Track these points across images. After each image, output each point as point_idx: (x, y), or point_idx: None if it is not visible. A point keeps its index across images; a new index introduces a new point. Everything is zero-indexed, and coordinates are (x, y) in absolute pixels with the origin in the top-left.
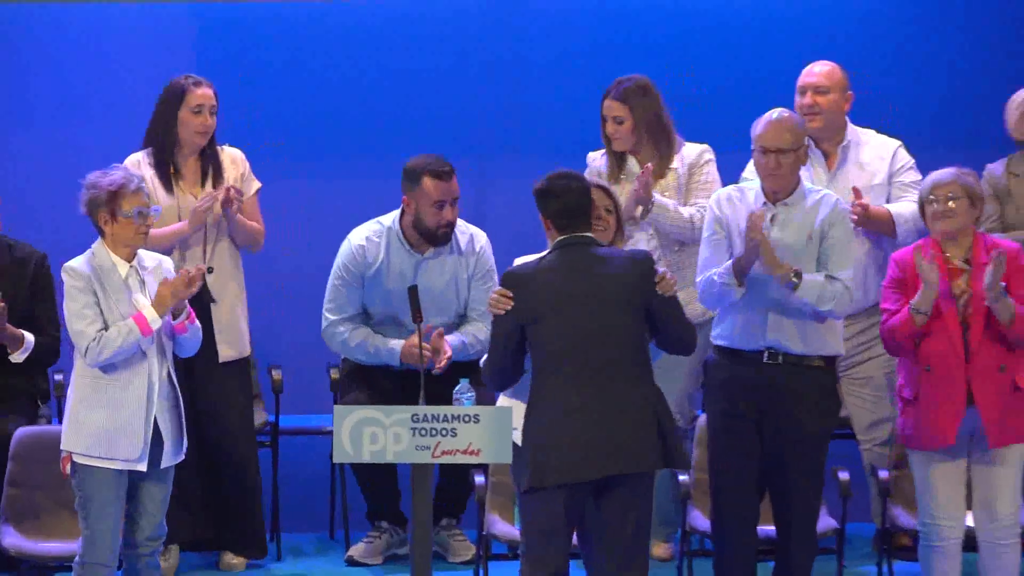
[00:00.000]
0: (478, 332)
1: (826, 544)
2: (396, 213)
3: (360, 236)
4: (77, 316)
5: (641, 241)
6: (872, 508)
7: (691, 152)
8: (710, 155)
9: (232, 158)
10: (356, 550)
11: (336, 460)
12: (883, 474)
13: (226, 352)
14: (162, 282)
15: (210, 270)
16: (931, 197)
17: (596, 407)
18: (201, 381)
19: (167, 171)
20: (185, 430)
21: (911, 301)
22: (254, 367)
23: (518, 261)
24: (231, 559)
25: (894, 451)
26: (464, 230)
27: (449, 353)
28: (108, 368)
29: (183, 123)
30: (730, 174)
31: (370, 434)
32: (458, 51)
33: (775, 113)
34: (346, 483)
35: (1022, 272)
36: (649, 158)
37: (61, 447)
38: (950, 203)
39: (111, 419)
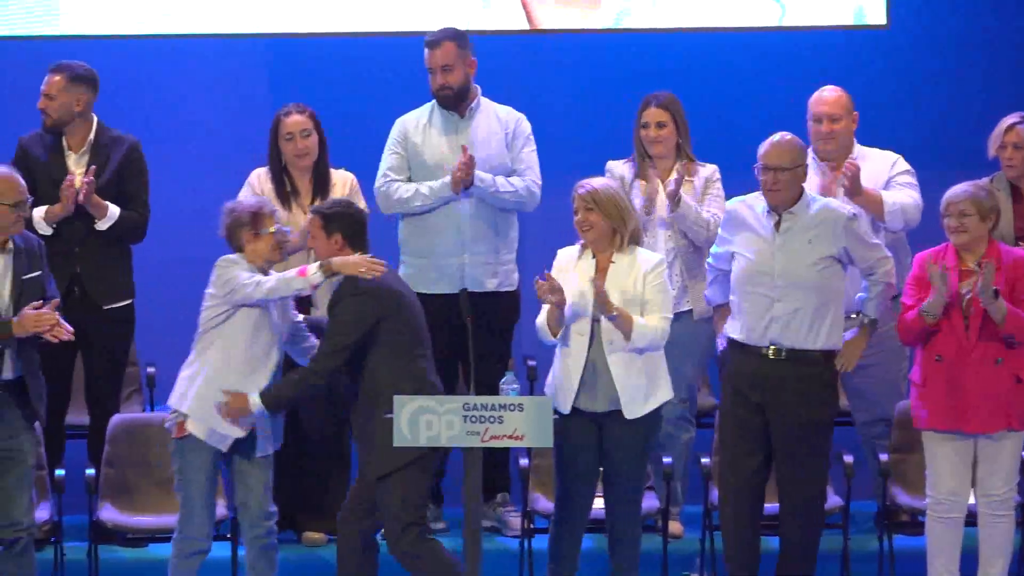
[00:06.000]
0: (515, 181)
1: (833, 520)
2: None
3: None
4: (243, 279)
5: (660, 239)
6: (874, 488)
7: (706, 170)
8: (719, 174)
9: (342, 180)
10: None
11: (396, 444)
12: (884, 457)
13: None
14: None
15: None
16: (946, 212)
17: None
18: None
19: (283, 188)
20: (282, 424)
21: (922, 304)
22: None
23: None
24: (312, 535)
25: (894, 436)
26: (507, 110)
27: (469, 159)
28: (236, 357)
29: (283, 149)
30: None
31: (426, 421)
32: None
33: (777, 136)
34: None
35: None
36: (671, 165)
37: (181, 409)
38: (963, 219)
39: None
